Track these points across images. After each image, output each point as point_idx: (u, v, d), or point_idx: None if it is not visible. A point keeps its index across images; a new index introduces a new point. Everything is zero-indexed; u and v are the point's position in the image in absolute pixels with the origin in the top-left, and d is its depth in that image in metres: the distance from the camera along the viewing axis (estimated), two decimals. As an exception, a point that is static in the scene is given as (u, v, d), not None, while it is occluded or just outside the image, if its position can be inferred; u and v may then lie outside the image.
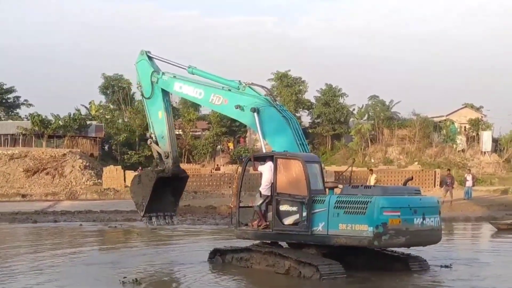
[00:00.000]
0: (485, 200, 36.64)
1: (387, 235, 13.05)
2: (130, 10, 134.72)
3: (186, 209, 33.38)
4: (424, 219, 13.59)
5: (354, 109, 63.00)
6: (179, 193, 18.11)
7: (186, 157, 56.94)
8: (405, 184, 15.40)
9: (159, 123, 17.22)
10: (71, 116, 57.93)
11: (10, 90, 66.78)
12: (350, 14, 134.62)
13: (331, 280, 13.13)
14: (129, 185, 19.25)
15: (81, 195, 43.90)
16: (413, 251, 15.15)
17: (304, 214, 13.96)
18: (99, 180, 47.39)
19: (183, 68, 17.17)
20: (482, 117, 61.32)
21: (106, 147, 60.90)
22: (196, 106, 60.04)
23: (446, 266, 15.25)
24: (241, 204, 15.62)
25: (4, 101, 66.45)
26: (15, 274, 15.27)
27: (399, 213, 13.20)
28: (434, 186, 43.38)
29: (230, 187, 40.98)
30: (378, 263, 14.63)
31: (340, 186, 15.05)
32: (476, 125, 57.97)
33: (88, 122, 59.03)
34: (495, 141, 57.70)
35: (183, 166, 41.82)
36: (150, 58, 17.49)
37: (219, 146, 61.63)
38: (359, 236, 13.14)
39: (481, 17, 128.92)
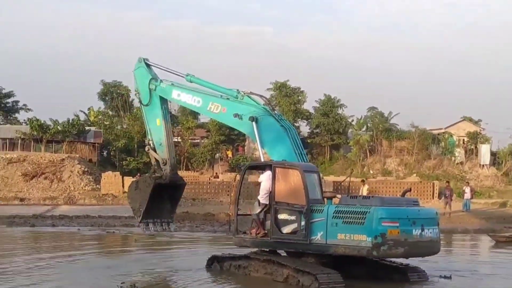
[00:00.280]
0: (484, 213, 36.72)
1: (386, 245, 13.07)
2: (129, 17, 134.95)
3: (184, 215, 33.38)
4: (423, 230, 13.62)
5: (353, 120, 63.11)
6: (177, 200, 18.09)
7: (184, 164, 56.92)
8: (403, 195, 15.47)
9: (157, 130, 17.23)
10: (70, 121, 57.87)
11: (9, 95, 66.74)
12: (349, 26, 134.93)
13: (329, 289, 13.12)
14: (127, 191, 19.25)
15: (79, 200, 43.86)
16: (412, 262, 15.15)
17: (303, 223, 13.99)
18: (97, 186, 47.34)
19: (181, 76, 17.22)
20: (480, 130, 61.42)
21: (104, 153, 60.85)
22: (195, 114, 60.06)
23: (446, 277, 15.27)
24: (239, 212, 15.63)
25: (2, 105, 66.37)
26: (10, 275, 15.31)
27: (397, 224, 13.23)
28: (433, 198, 43.45)
29: (228, 194, 40.97)
30: (376, 273, 14.64)
31: (338, 196, 15.08)
32: (475, 138, 58.07)
33: (87, 128, 58.99)
34: (493, 154, 57.75)
35: (182, 173, 41.88)
36: (148, 65, 17.51)
37: (217, 154, 61.58)
38: (357, 246, 13.17)
39: (480, 31, 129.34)
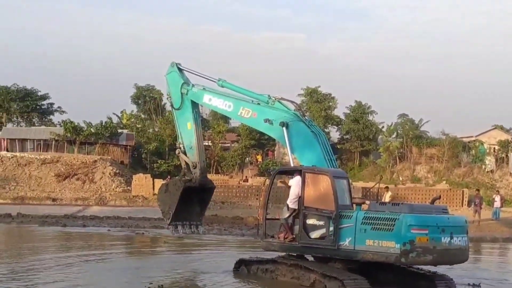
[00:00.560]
0: (514, 222, 36.20)
1: (414, 252, 13.05)
2: (162, 23, 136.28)
3: (213, 218, 33.58)
4: (452, 238, 13.55)
5: (383, 127, 62.92)
6: (206, 203, 18.18)
7: (214, 168, 57.29)
8: (432, 202, 15.41)
9: (188, 134, 17.38)
10: (103, 124, 58.66)
11: (44, 97, 67.82)
12: (380, 33, 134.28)
13: (356, 294, 13.17)
14: (157, 193, 19.46)
15: (110, 201, 44.41)
16: (440, 269, 15.11)
17: (331, 228, 14.02)
18: (128, 187, 47.91)
19: (213, 80, 17.32)
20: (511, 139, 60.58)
21: (136, 155, 61.50)
22: (226, 119, 60.39)
23: (475, 285, 15.19)
24: (268, 216, 15.73)
25: (38, 107, 67.42)
26: (41, 271, 15.68)
27: (427, 231, 13.20)
28: (462, 206, 43.03)
29: (257, 199, 41.07)
30: (404, 280, 14.61)
31: (367, 202, 15.10)
32: (506, 146, 57.27)
33: (119, 131, 59.67)
34: (524, 163, 56.89)
35: (211, 176, 42.13)
36: (180, 70, 17.67)
37: (247, 158, 61.81)
38: (386, 252, 13.16)
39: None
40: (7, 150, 56.24)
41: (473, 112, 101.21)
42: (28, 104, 65.31)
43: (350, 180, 16.03)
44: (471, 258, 15.34)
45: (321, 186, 14.57)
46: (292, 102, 16.83)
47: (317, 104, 61.62)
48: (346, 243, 13.75)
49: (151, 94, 66.35)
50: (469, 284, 15.26)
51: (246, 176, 55.59)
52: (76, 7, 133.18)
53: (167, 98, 18.51)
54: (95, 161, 51.59)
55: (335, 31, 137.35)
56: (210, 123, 62.75)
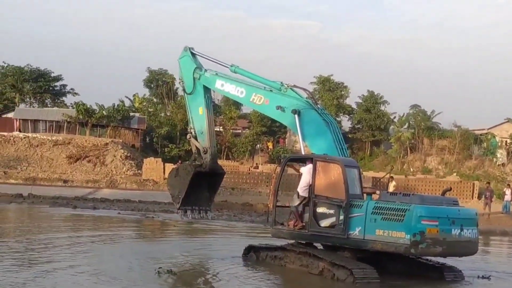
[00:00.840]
0: (524, 216, 36.06)
1: (424, 243, 13.06)
2: (175, 7, 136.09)
3: (223, 204, 33.69)
4: (462, 230, 13.56)
5: (394, 117, 62.67)
6: (215, 189, 18.18)
7: (225, 154, 57.40)
8: (443, 194, 15.36)
9: (199, 119, 17.34)
10: (115, 107, 58.79)
11: (57, 79, 68.00)
12: (395, 23, 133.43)
13: (364, 284, 13.18)
14: (167, 177, 19.47)
15: (121, 184, 44.61)
16: (448, 261, 15.09)
17: (341, 217, 14.03)
18: (139, 171, 48.09)
19: (225, 66, 17.26)
20: (524, 132, 60.16)
21: (147, 139, 61.65)
22: (237, 105, 60.28)
23: (484, 277, 15.19)
24: (278, 204, 15.75)
25: (51, 88, 67.67)
26: (48, 250, 15.84)
27: (437, 223, 13.21)
28: (472, 198, 42.86)
29: (267, 185, 41.14)
30: (412, 270, 14.64)
31: (378, 192, 15.07)
32: (518, 140, 56.92)
33: (131, 114, 59.79)
34: (536, 157, 56.53)
35: (222, 162, 42.32)
36: (193, 54, 17.61)
37: (258, 145, 61.87)
38: (395, 243, 13.17)
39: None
40: (20, 131, 56.56)
41: (486, 105, 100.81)
42: (41, 85, 65.58)
43: (361, 170, 15.96)
44: (480, 251, 15.32)
45: (332, 174, 14.57)
46: (304, 89, 16.78)
47: (329, 92, 61.48)
48: (356, 232, 13.76)
49: (163, 78, 66.39)
50: (478, 276, 15.23)
51: (256, 163, 55.64)
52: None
53: (180, 83, 18.46)
54: (107, 144, 51.81)
55: (349, 20, 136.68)
56: (222, 109, 62.74)
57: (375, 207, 13.65)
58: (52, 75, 67.40)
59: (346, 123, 65.26)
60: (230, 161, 55.12)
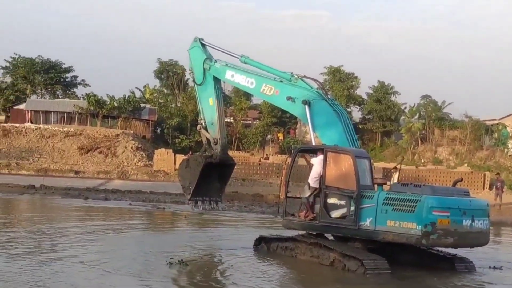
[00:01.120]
0: (536, 207, 35.89)
1: (435, 234, 13.03)
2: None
3: (234, 195, 33.74)
4: (473, 221, 13.52)
5: (405, 108, 62.50)
6: (226, 180, 18.15)
7: (236, 144, 57.48)
8: (454, 185, 15.30)
9: (209, 110, 17.29)
10: (126, 98, 58.99)
11: (69, 70, 68.25)
12: (405, 14, 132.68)
13: (375, 275, 13.17)
14: (178, 168, 19.48)
15: (132, 175, 44.72)
16: (460, 252, 15.06)
17: (352, 208, 14.02)
18: (150, 162, 48.20)
19: (235, 57, 17.20)
20: (535, 123, 59.83)
21: (158, 130, 61.84)
22: (248, 95, 60.40)
23: (496, 268, 15.15)
24: (289, 194, 15.76)
25: (62, 80, 67.95)
26: (59, 238, 15.99)
27: (448, 214, 13.17)
28: (483, 189, 42.74)
29: (278, 176, 41.13)
30: (423, 261, 14.61)
31: (389, 183, 15.04)
32: (529, 130, 56.65)
33: (142, 105, 59.99)
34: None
35: (233, 153, 42.33)
36: (203, 45, 17.54)
37: (269, 136, 61.90)
38: (407, 233, 13.15)
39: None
40: (31, 122, 56.87)
41: (497, 95, 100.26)
42: (52, 77, 65.85)
43: (372, 160, 15.91)
44: (491, 242, 15.27)
45: (343, 165, 14.53)
46: (315, 80, 16.73)
47: (339, 83, 61.39)
48: (367, 223, 13.75)
49: (174, 69, 66.55)
50: (490, 267, 15.19)
51: (267, 154, 55.71)
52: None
53: (190, 73, 18.43)
54: (118, 135, 51.97)
55: (359, 10, 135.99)
56: (232, 100, 62.81)
57: (386, 198, 13.62)
58: (63, 66, 67.67)
59: (357, 113, 65.33)
60: (240, 152, 55.20)
